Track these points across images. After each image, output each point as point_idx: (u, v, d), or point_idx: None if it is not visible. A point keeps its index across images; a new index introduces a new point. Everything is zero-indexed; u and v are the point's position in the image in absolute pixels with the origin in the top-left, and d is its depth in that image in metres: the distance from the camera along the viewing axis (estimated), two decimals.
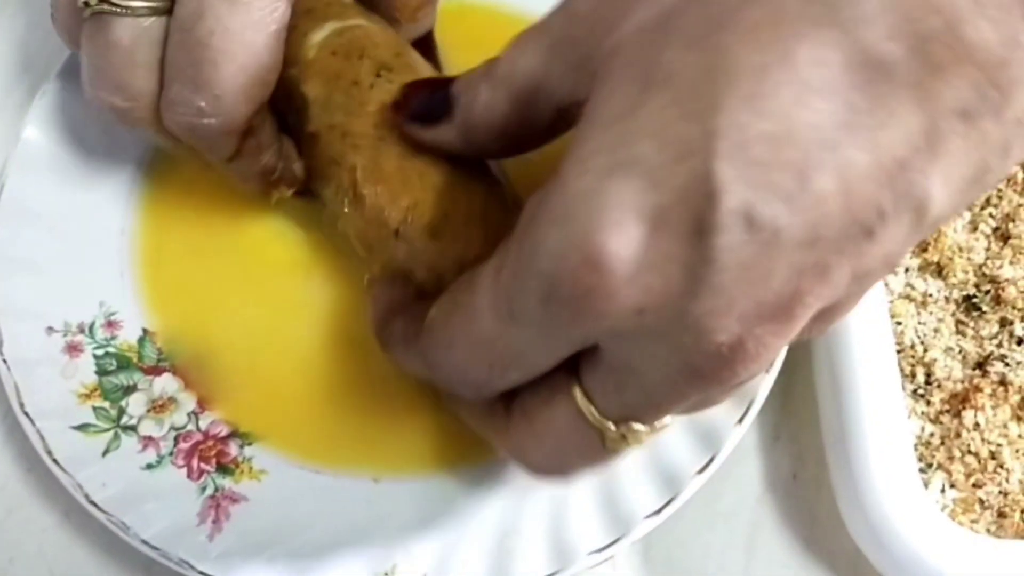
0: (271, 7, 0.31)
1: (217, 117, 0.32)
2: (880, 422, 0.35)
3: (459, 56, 0.41)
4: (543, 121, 0.28)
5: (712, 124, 0.22)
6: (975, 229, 0.40)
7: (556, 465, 0.28)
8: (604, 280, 0.22)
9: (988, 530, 0.36)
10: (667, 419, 0.27)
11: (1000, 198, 0.41)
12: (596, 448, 0.27)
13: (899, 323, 0.38)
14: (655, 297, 0.22)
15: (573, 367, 0.26)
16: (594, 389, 0.26)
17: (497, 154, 0.31)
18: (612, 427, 0.26)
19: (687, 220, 0.22)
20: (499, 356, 0.26)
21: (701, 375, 0.24)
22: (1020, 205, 0.41)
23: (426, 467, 0.36)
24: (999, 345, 0.38)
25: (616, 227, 0.22)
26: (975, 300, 0.39)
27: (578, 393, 0.26)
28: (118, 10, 0.31)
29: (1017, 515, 0.36)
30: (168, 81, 0.32)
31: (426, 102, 0.31)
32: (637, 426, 0.26)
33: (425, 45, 0.39)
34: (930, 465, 0.36)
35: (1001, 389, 0.37)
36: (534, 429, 0.27)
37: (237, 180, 0.35)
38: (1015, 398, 0.37)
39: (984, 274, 0.39)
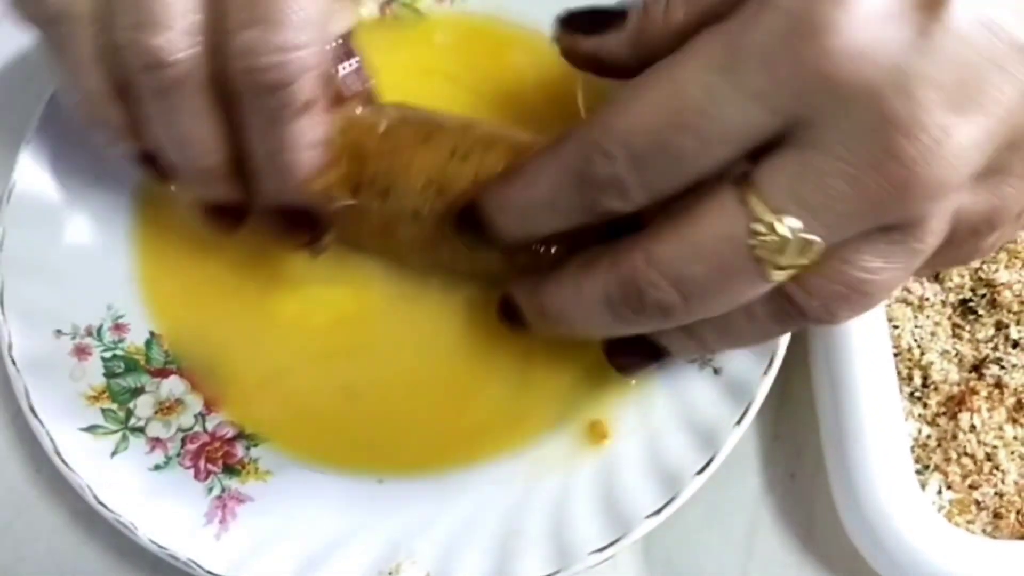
0: None
1: (302, 50, 0.29)
2: (877, 424, 0.35)
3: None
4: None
5: None
6: None
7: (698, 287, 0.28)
8: (845, 15, 0.24)
9: (984, 531, 0.36)
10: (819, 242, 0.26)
11: None
12: (743, 267, 0.27)
13: (896, 327, 0.39)
14: (881, 47, 0.24)
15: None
16: (763, 181, 0.26)
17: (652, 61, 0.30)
18: (776, 224, 0.26)
19: None
20: (692, 116, 0.26)
21: (889, 160, 0.24)
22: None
23: (429, 468, 0.36)
24: (995, 348, 0.38)
25: None
26: (971, 304, 0.39)
27: (748, 188, 0.26)
28: None
29: (1013, 516, 0.36)
30: (237, 25, 0.28)
31: (592, 11, 0.31)
32: (801, 231, 0.26)
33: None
34: (927, 467, 0.37)
35: (997, 392, 0.37)
36: (681, 240, 0.27)
37: (288, 159, 0.32)
38: (1010, 400, 0.37)
39: (980, 278, 0.40)
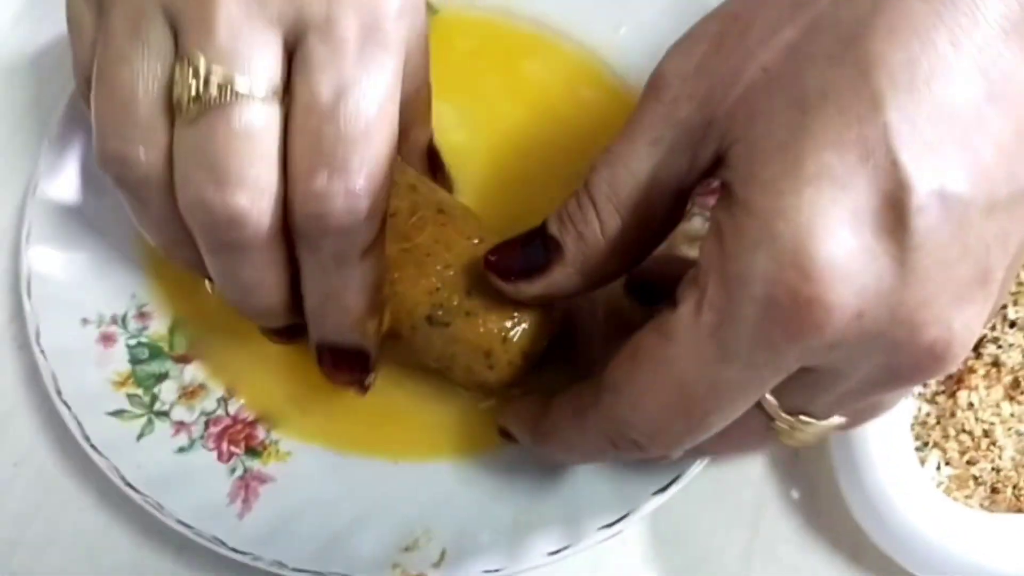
0: (398, 73, 0.29)
1: (371, 198, 0.29)
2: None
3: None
4: (662, 213, 0.29)
5: (882, 119, 0.23)
6: None
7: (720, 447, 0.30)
8: (822, 289, 0.23)
9: (982, 505, 0.37)
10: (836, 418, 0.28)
11: None
12: (760, 434, 0.29)
13: None
14: (870, 296, 0.24)
15: None
16: (781, 390, 0.27)
17: (617, 274, 0.31)
18: (787, 418, 0.28)
19: (886, 213, 0.23)
20: (699, 402, 0.26)
21: (909, 373, 0.25)
22: None
23: (442, 450, 0.38)
24: (993, 328, 0.39)
25: (823, 235, 0.23)
26: None
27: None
28: (239, 97, 0.27)
29: (1009, 490, 0.37)
30: (308, 172, 0.28)
31: (523, 256, 0.31)
32: (808, 420, 0.28)
33: (430, 155, 0.39)
34: (926, 444, 0.38)
35: (994, 370, 0.38)
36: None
37: (347, 300, 0.32)
38: (1007, 379, 0.38)
39: None
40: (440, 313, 0.34)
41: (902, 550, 0.36)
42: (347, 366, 0.34)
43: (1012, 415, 0.38)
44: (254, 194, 0.28)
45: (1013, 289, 0.40)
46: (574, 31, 0.45)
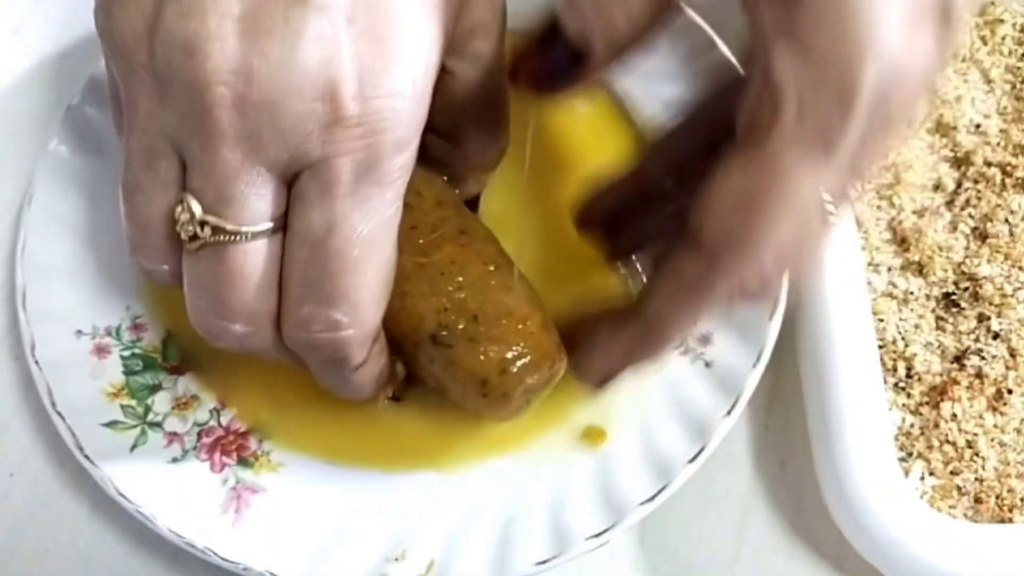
0: (396, 203, 0.30)
1: (356, 327, 0.30)
2: (862, 414, 0.37)
3: None
4: None
5: None
6: (955, 229, 0.42)
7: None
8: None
9: (965, 515, 0.38)
10: None
11: (979, 199, 0.43)
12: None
13: (881, 320, 0.40)
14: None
15: None
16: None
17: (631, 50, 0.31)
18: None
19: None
20: (816, 210, 0.28)
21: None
22: (998, 206, 0.43)
23: (433, 460, 0.38)
24: (976, 340, 0.40)
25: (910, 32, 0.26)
26: (954, 297, 0.41)
27: None
28: (233, 237, 0.29)
29: (993, 500, 0.38)
30: (297, 300, 0.30)
31: (560, 53, 0.30)
32: None
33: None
34: (910, 454, 0.39)
35: (977, 382, 0.39)
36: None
37: (350, 391, 0.34)
38: (990, 390, 0.39)
39: (963, 272, 0.41)
40: (444, 334, 0.34)
41: (885, 560, 0.36)
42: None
43: (995, 426, 0.38)
44: (250, 322, 0.30)
45: (997, 301, 0.40)
46: None
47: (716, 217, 0.28)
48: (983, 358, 0.39)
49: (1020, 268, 0.41)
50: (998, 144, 0.44)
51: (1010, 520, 0.37)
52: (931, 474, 0.38)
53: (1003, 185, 0.43)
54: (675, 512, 0.39)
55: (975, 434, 0.38)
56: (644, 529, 0.39)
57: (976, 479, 0.38)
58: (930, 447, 0.38)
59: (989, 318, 0.40)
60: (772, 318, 0.39)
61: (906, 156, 0.44)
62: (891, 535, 0.35)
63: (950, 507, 0.38)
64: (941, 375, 0.39)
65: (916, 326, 0.40)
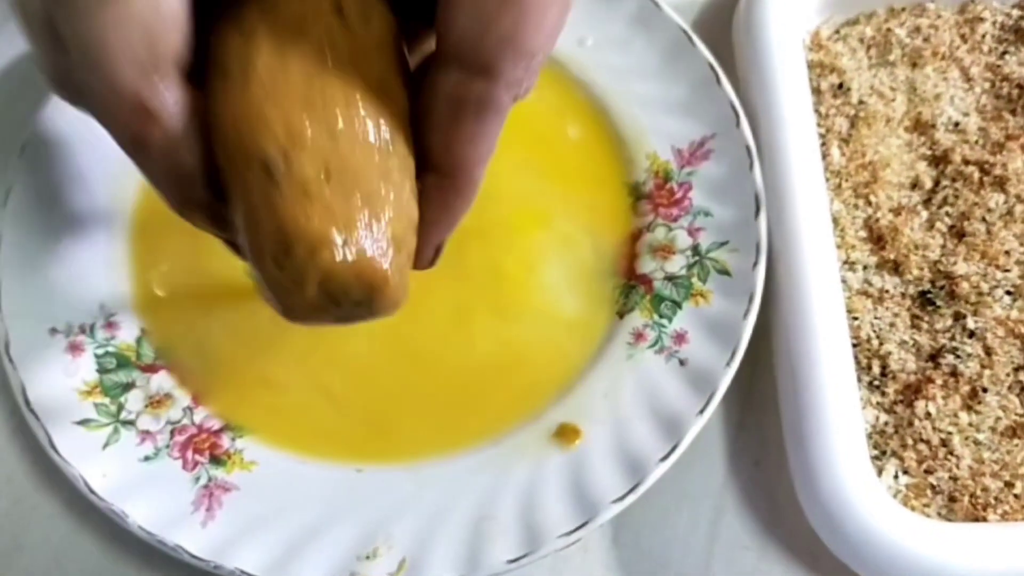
0: None
1: (90, 74, 0.25)
2: (835, 412, 0.37)
3: None
4: None
5: None
6: (932, 227, 0.42)
7: None
8: None
9: (940, 514, 0.38)
10: None
11: (957, 197, 0.43)
12: None
13: (856, 318, 0.40)
14: None
15: None
16: None
17: None
18: None
19: None
20: None
21: None
22: (975, 204, 0.42)
23: (405, 459, 0.38)
24: (952, 339, 0.40)
25: None
26: (930, 295, 0.41)
27: None
28: None
29: (966, 499, 0.37)
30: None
31: None
32: None
33: None
34: (884, 452, 0.38)
35: (952, 380, 0.39)
36: None
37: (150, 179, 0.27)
38: (965, 388, 0.39)
39: (939, 270, 0.41)
40: (280, 166, 0.25)
41: (858, 559, 0.36)
42: None
43: (970, 424, 0.38)
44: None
45: (973, 300, 0.40)
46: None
47: (481, 20, 0.25)
48: (958, 357, 0.39)
49: (997, 266, 0.41)
50: (976, 142, 0.44)
51: (984, 519, 0.37)
52: (905, 473, 0.38)
53: (981, 183, 0.43)
54: (649, 510, 0.39)
55: (949, 433, 0.38)
56: (618, 527, 0.39)
57: (950, 478, 0.38)
58: (904, 446, 0.38)
59: (965, 316, 0.40)
60: (747, 316, 0.39)
61: (884, 154, 0.44)
62: (864, 534, 0.35)
63: (924, 506, 0.38)
64: (916, 373, 0.39)
65: (891, 324, 0.40)
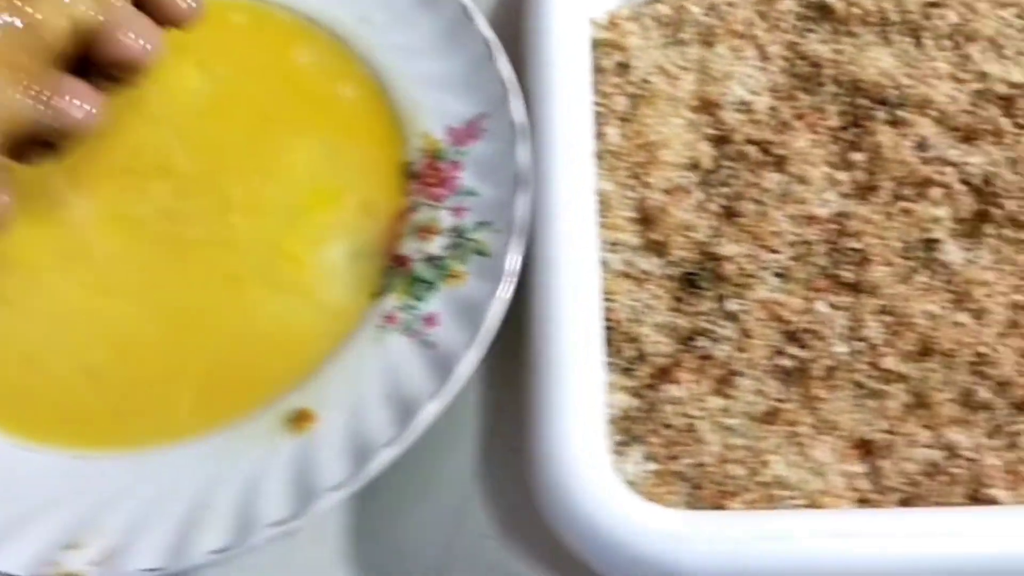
0: None
1: None
2: (573, 397, 0.36)
3: None
4: None
5: None
6: (704, 208, 0.41)
7: None
8: None
9: (686, 502, 0.36)
10: None
11: (736, 177, 0.41)
12: None
13: (613, 300, 0.39)
14: None
15: None
16: None
17: None
18: None
19: None
20: None
21: None
22: (752, 184, 0.41)
23: (124, 444, 0.36)
24: (710, 321, 0.38)
25: None
26: (695, 277, 0.39)
27: None
28: None
29: (712, 487, 0.36)
30: None
31: None
32: None
33: None
34: (634, 438, 0.37)
35: (704, 363, 0.37)
36: None
37: None
38: (717, 372, 0.37)
39: (706, 252, 0.40)
40: None
41: (584, 547, 0.35)
42: None
43: (722, 409, 0.37)
44: None
45: (737, 281, 0.39)
46: (334, 22, 0.45)
47: None
48: (714, 339, 0.38)
49: (764, 247, 0.40)
50: (763, 122, 0.43)
51: (727, 507, 0.36)
52: (651, 459, 0.37)
53: (760, 163, 0.41)
54: (390, 499, 0.37)
55: (698, 418, 0.37)
56: (359, 516, 0.37)
57: (696, 464, 0.36)
58: (651, 431, 0.37)
59: (727, 298, 0.39)
60: (494, 297, 0.37)
61: (664, 134, 0.42)
62: (588, 522, 0.34)
63: (670, 494, 0.36)
64: (668, 357, 0.38)
65: (649, 306, 0.39)
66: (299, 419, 0.37)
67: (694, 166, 0.42)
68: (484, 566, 0.37)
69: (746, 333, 0.38)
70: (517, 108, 0.41)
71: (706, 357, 0.38)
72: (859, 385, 0.38)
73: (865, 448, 0.37)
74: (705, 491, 0.36)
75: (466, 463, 0.38)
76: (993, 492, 0.35)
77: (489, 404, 0.39)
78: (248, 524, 0.34)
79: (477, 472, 0.38)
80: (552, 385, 0.36)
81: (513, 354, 0.38)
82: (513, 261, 0.38)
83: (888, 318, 0.38)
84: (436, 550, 0.37)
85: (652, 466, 0.37)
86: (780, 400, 0.37)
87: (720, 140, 0.43)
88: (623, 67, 0.44)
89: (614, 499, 0.34)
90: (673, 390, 0.37)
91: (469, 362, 0.37)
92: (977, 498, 0.36)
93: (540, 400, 0.36)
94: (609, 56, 0.44)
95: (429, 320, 0.38)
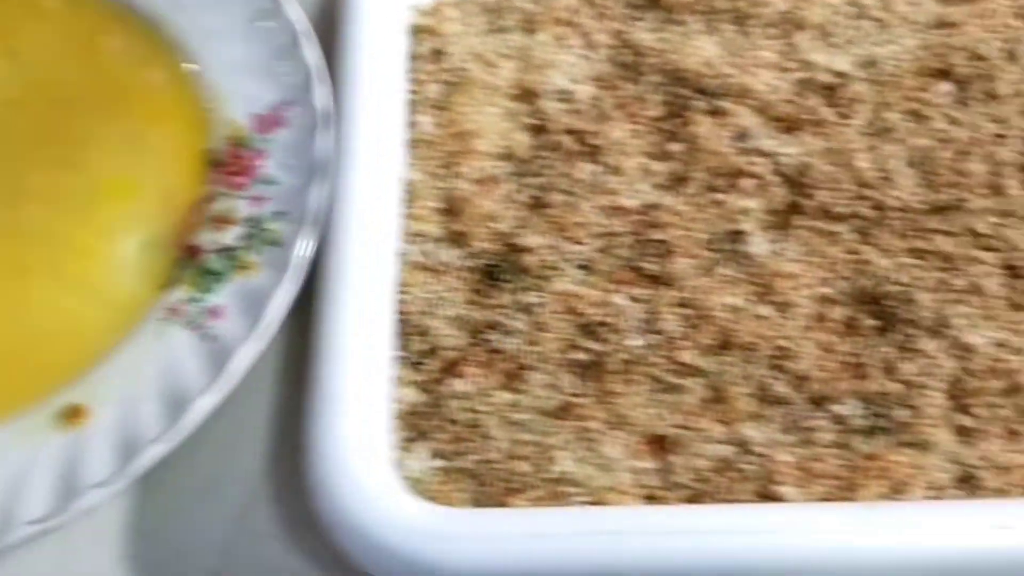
0: None
1: None
2: (352, 392, 0.35)
3: None
4: None
5: None
6: (512, 199, 0.40)
7: None
8: None
9: (474, 500, 0.35)
10: None
11: (551, 167, 0.40)
12: None
13: (407, 292, 0.38)
14: None
15: None
16: None
17: None
18: None
19: None
20: None
21: None
22: (564, 174, 0.40)
23: None
24: (505, 315, 0.37)
25: None
26: (496, 269, 0.38)
27: None
28: None
29: (499, 484, 0.35)
30: None
31: None
32: None
33: None
34: (420, 434, 0.36)
35: (493, 357, 0.36)
36: None
37: None
38: (507, 366, 0.36)
39: (509, 243, 0.39)
40: None
41: (354, 549, 0.33)
42: None
43: (511, 404, 0.36)
44: None
45: (538, 273, 0.38)
46: (147, 6, 0.44)
47: None
48: (505, 333, 0.37)
49: (568, 238, 0.39)
50: (583, 111, 0.42)
51: (511, 504, 0.34)
52: (438, 456, 0.35)
53: (575, 153, 0.40)
54: (175, 497, 0.36)
55: (485, 413, 0.36)
56: (140, 515, 0.36)
57: (483, 461, 0.35)
58: (437, 427, 0.36)
59: (525, 291, 0.38)
60: (277, 289, 0.36)
61: (480, 122, 0.41)
62: (359, 524, 0.33)
63: (456, 491, 0.35)
64: (458, 351, 0.37)
65: (444, 299, 0.38)
66: (71, 415, 0.35)
67: (509, 156, 0.41)
68: (264, 567, 0.35)
69: (540, 326, 0.37)
70: (321, 95, 0.40)
71: (496, 351, 0.37)
72: (656, 379, 0.36)
73: (658, 444, 0.36)
74: (491, 488, 0.35)
75: (253, 461, 0.37)
76: (782, 489, 0.34)
77: (279, 400, 0.38)
78: (7, 521, 0.33)
79: (264, 470, 0.37)
80: (330, 380, 0.35)
81: (305, 349, 0.37)
82: (301, 251, 0.37)
83: (688, 311, 0.37)
84: (216, 550, 0.36)
85: (439, 463, 0.35)
86: (574, 395, 0.36)
87: (538, 130, 0.42)
88: (438, 54, 0.43)
89: (380, 498, 0.33)
90: (459, 385, 0.36)
91: (246, 355, 0.35)
92: (766, 495, 0.34)
93: (317, 396, 0.35)
94: (424, 43, 0.43)
95: (214, 313, 0.37)
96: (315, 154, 0.38)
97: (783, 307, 0.38)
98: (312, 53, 0.41)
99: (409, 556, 0.32)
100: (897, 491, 0.34)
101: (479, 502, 0.35)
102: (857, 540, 0.32)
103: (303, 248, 0.37)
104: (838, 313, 0.37)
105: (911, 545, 0.32)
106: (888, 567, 0.32)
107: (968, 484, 0.34)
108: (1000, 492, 0.34)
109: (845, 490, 0.34)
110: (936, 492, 0.34)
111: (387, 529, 0.32)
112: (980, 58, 0.42)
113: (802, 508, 0.34)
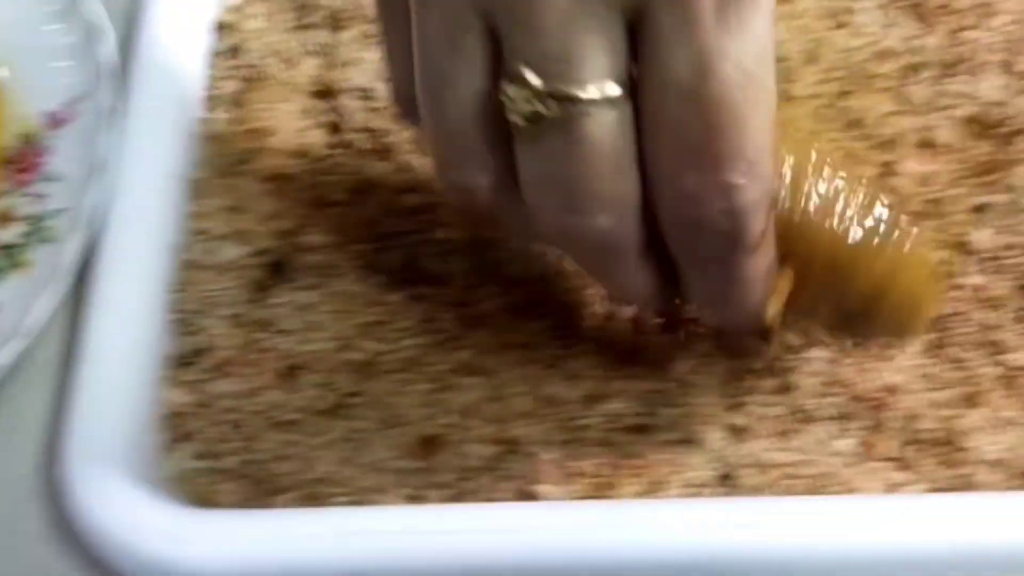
0: (769, 15, 0.24)
1: (755, 186, 0.25)
2: (109, 394, 0.34)
3: None
4: None
5: None
6: (298, 198, 0.40)
7: None
8: None
9: (239, 501, 0.35)
10: None
11: (341, 166, 0.40)
12: None
13: (184, 291, 0.37)
14: None
15: None
16: None
17: None
18: None
19: None
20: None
21: None
22: (353, 173, 0.40)
23: None
24: (282, 314, 0.37)
25: None
26: (278, 268, 0.38)
27: None
28: (585, 105, 0.24)
29: (262, 485, 0.35)
30: (673, 173, 0.25)
31: None
32: None
33: None
34: (186, 435, 0.36)
35: (263, 357, 0.36)
36: None
37: (738, 297, 0.28)
38: (277, 366, 0.36)
39: (293, 242, 0.39)
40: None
41: (114, 556, 0.33)
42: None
43: (279, 405, 0.36)
44: (615, 212, 0.26)
45: (319, 272, 0.38)
46: None
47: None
48: (279, 332, 0.37)
49: (352, 238, 0.38)
50: (382, 110, 0.41)
51: (274, 505, 0.34)
52: (202, 456, 0.35)
53: (367, 152, 0.40)
54: None
55: (251, 413, 0.36)
56: None
57: (247, 461, 0.35)
58: (203, 427, 0.35)
59: (305, 290, 0.38)
60: (44, 288, 0.36)
61: (274, 120, 0.41)
62: (101, 526, 0.32)
63: (221, 492, 0.35)
64: (232, 350, 0.36)
65: (221, 298, 0.37)
66: None
67: (303, 154, 0.41)
68: (35, 571, 0.35)
69: (315, 326, 0.37)
70: (108, 92, 0.39)
71: (267, 350, 0.36)
72: (433, 379, 0.36)
73: (429, 444, 0.36)
74: (256, 489, 0.35)
75: (19, 464, 0.36)
76: (542, 488, 0.34)
77: (49, 402, 0.37)
78: None
79: (29, 474, 0.36)
80: (90, 381, 0.35)
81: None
82: (72, 250, 0.36)
83: (467, 311, 0.37)
84: None
85: (204, 464, 0.35)
86: (349, 395, 0.36)
87: (334, 128, 0.41)
88: (235, 50, 0.42)
89: (130, 500, 0.33)
90: (225, 384, 0.36)
91: (7, 355, 0.35)
92: (526, 494, 0.34)
93: (76, 397, 0.34)
94: (225, 39, 0.43)
95: None
96: (97, 151, 0.38)
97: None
98: (106, 50, 0.40)
99: (147, 557, 0.32)
100: (653, 490, 0.34)
101: (246, 503, 0.35)
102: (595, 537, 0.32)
103: (73, 247, 0.36)
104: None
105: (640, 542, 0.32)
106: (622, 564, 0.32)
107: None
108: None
109: (604, 488, 0.34)
110: (695, 490, 0.34)
111: (129, 531, 0.32)
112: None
113: (548, 506, 0.34)
